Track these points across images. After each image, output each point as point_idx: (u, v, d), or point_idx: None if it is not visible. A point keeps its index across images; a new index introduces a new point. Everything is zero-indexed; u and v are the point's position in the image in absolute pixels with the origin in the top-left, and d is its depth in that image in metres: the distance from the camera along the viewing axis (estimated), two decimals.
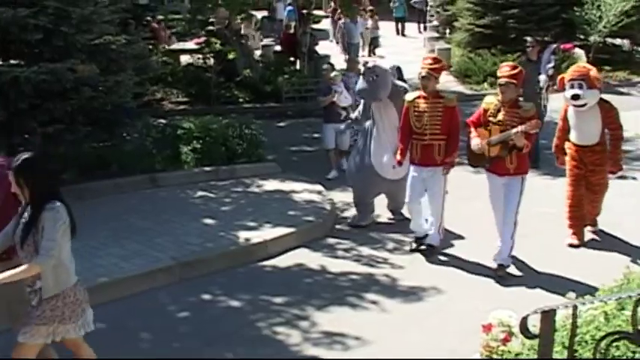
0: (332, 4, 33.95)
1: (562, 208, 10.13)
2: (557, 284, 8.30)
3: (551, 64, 13.59)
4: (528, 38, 15.07)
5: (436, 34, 32.51)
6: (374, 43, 29.68)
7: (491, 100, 9.14)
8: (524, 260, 9.19)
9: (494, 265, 9.03)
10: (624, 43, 28.14)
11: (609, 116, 9.72)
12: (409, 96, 9.79)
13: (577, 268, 9.00)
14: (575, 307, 3.80)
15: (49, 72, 11.15)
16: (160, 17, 23.76)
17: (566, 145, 10.12)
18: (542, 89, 13.90)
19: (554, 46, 14.12)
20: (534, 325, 4.35)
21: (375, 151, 10.69)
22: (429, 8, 37.08)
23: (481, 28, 26.97)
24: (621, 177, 12.26)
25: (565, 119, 10.06)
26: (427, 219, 9.86)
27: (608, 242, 9.77)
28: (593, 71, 9.83)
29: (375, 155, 10.68)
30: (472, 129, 9.23)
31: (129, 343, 7.40)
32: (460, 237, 10.11)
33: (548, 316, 3.83)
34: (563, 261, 9.34)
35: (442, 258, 9.59)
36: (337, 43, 31.63)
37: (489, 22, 26.62)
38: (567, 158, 10.15)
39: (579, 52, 14.85)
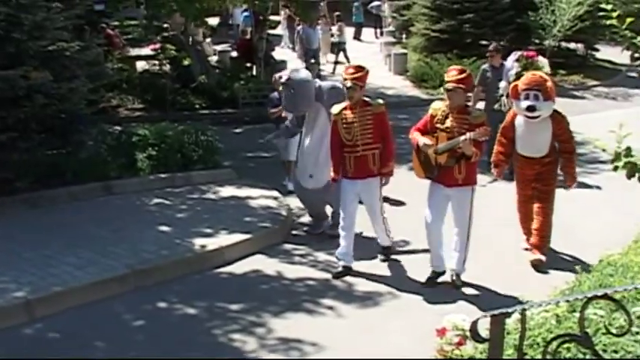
0: (287, 10, 33.90)
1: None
2: (511, 288, 8.38)
3: (513, 71, 13.06)
4: (491, 46, 14.63)
5: (392, 39, 32.67)
6: (340, 48, 29.59)
7: (439, 105, 8.75)
8: (478, 265, 9.22)
9: (446, 278, 8.94)
10: (578, 47, 28.61)
11: (560, 128, 9.34)
12: (335, 109, 9.40)
13: (531, 272, 9.09)
14: (523, 311, 3.83)
15: (1, 79, 11.04)
16: (116, 23, 23.62)
17: (514, 155, 9.74)
18: (502, 96, 13.38)
19: (519, 53, 13.64)
20: (488, 328, 4.37)
21: (299, 161, 10.75)
22: (385, 13, 37.24)
23: (437, 32, 27.24)
24: (585, 186, 12.50)
25: (511, 128, 9.64)
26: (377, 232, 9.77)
27: (560, 245, 9.84)
28: (550, 82, 9.42)
29: (299, 164, 10.75)
30: (415, 133, 8.82)
31: (83, 353, 7.30)
32: (416, 242, 10.12)
33: (498, 319, 3.85)
34: (516, 265, 9.43)
35: (398, 264, 9.62)
36: (293, 49, 31.59)
37: (445, 26, 26.90)
38: (516, 169, 9.95)
39: (543, 60, 13.78)
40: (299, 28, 30.11)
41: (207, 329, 7.83)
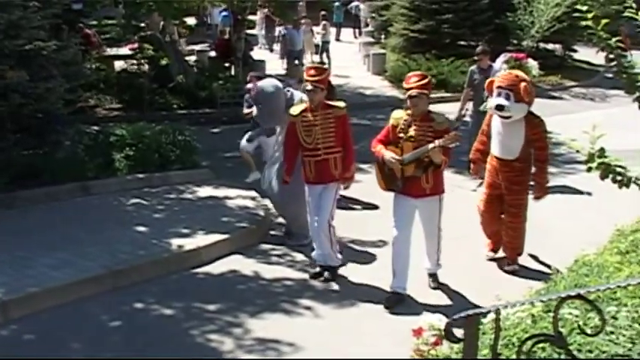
0: (265, 10, 33.89)
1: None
2: (487, 289, 8.36)
3: (500, 73, 12.13)
4: (478, 48, 14.18)
5: (371, 39, 32.75)
6: (324, 48, 29.54)
7: (400, 114, 8.35)
8: (456, 266, 9.23)
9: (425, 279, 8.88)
10: (556, 48, 28.77)
11: (535, 133, 8.96)
12: (294, 110, 9.14)
13: (506, 275, 9.14)
14: (498, 310, 3.84)
15: None
16: (94, 23, 23.54)
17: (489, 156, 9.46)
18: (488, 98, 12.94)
19: (509, 55, 13.40)
20: (463, 328, 4.38)
21: (267, 170, 10.76)
22: (362, 14, 37.35)
23: (415, 33, 27.31)
24: (563, 186, 12.55)
25: (489, 125, 9.41)
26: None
27: (537, 245, 9.88)
28: (525, 83, 8.92)
29: (266, 173, 10.75)
30: (379, 145, 8.41)
31: (59, 354, 7.27)
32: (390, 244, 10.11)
33: (472, 319, 3.86)
34: (493, 266, 9.47)
35: (376, 264, 9.62)
36: (270, 50, 31.42)
37: (424, 27, 26.97)
38: (487, 170, 9.50)
39: (532, 62, 13.64)
40: (280, 28, 30.08)
41: (184, 330, 7.81)
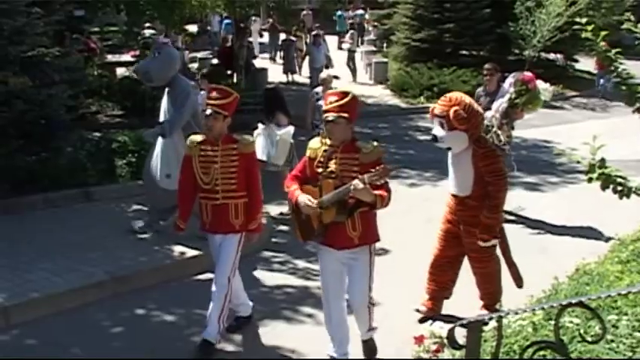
0: (270, 19, 33.96)
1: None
2: None
3: (506, 97, 10.97)
4: (486, 65, 12.43)
5: (373, 48, 32.81)
6: (350, 57, 29.51)
7: (317, 144, 6.68)
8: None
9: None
10: (558, 57, 28.82)
11: (485, 165, 7.57)
12: (190, 140, 7.48)
13: (508, 281, 9.12)
14: (500, 318, 3.87)
15: None
16: (96, 29, 23.61)
17: None
18: (490, 127, 11.07)
19: (519, 75, 11.10)
20: (465, 335, 4.41)
21: (162, 156, 10.46)
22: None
23: (417, 42, 27.40)
24: (563, 196, 12.48)
25: None
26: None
27: (537, 254, 9.90)
28: (457, 107, 7.53)
29: (161, 159, 10.46)
30: (293, 185, 6.73)
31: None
32: (393, 252, 10.12)
33: (474, 326, 3.89)
34: None
35: (377, 273, 9.61)
36: (273, 59, 31.18)
37: (426, 36, 27.06)
38: (446, 205, 8.20)
39: (543, 85, 11.18)
40: (283, 36, 30.08)
41: (185, 336, 7.82)
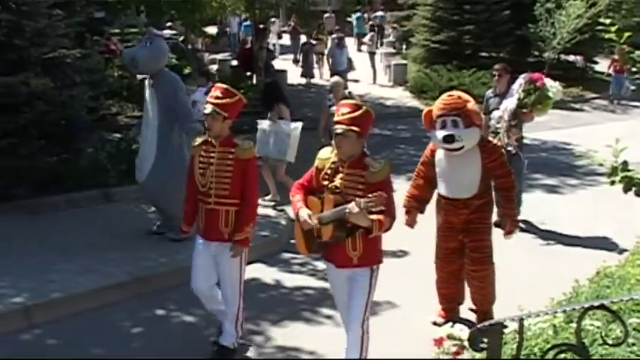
0: (290, 22, 33.99)
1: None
2: (508, 299, 8.37)
3: (515, 97, 10.44)
4: (495, 66, 12.11)
5: (392, 50, 32.80)
6: (371, 58, 29.49)
7: (327, 154, 6.31)
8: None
9: None
10: (577, 59, 28.73)
11: (493, 160, 7.50)
12: (196, 140, 7.28)
13: (528, 283, 9.11)
14: (521, 320, 3.87)
15: (2, 85, 11.15)
16: (116, 31, 23.69)
17: (437, 199, 7.95)
18: (501, 130, 10.72)
19: (528, 75, 10.54)
20: (485, 338, 4.41)
21: (140, 151, 10.52)
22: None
23: (437, 44, 27.39)
24: (583, 198, 12.41)
25: (429, 165, 7.86)
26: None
27: (557, 256, 9.88)
28: (472, 103, 7.48)
29: (139, 155, 10.52)
30: (297, 196, 6.39)
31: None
32: (412, 253, 10.12)
33: (495, 329, 3.89)
34: (513, 275, 9.44)
35: (397, 274, 9.63)
36: (295, 62, 30.87)
37: (445, 38, 27.04)
38: (438, 217, 7.98)
39: (552, 83, 10.41)
40: (304, 38, 29.99)
41: (205, 337, 7.85)
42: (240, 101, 7.05)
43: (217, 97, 6.87)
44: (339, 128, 6.01)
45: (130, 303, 8.72)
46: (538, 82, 10.31)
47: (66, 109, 12.24)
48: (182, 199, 7.42)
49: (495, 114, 10.96)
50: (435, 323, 7.98)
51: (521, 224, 10.39)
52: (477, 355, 5.41)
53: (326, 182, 6.15)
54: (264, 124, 12.39)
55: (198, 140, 7.16)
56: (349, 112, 6.03)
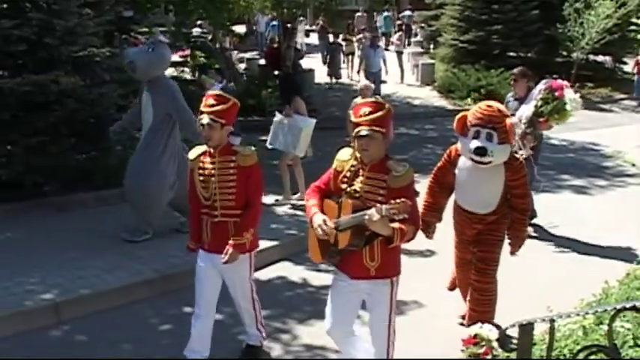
0: (319, 21, 34.01)
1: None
2: (537, 300, 8.35)
3: (532, 104, 9.96)
4: (515, 69, 11.72)
5: (420, 49, 32.77)
6: (399, 57, 29.48)
7: (346, 156, 5.91)
8: (505, 277, 9.20)
9: None
10: (606, 60, 28.56)
11: (516, 179, 7.16)
12: (192, 153, 6.84)
13: (557, 284, 9.06)
14: (552, 321, 3.85)
15: (33, 83, 11.21)
16: (145, 30, 23.79)
17: (454, 207, 7.65)
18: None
19: (550, 81, 9.97)
20: (515, 338, 4.40)
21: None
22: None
23: (465, 43, 27.32)
24: (613, 199, 12.33)
25: (449, 171, 7.47)
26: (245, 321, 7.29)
27: (586, 258, 9.82)
28: (510, 119, 7.14)
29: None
30: (312, 200, 5.99)
31: (110, 356, 7.38)
32: (440, 253, 10.09)
33: (526, 329, 3.88)
34: (542, 276, 9.41)
35: (424, 274, 9.62)
36: (325, 62, 30.67)
37: (473, 37, 26.97)
38: (455, 226, 7.73)
39: (571, 97, 9.70)
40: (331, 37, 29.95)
41: (232, 335, 7.88)
42: (235, 105, 6.68)
43: (212, 105, 6.52)
44: (363, 130, 5.55)
45: (158, 300, 8.77)
46: (557, 91, 9.73)
47: (95, 107, 12.31)
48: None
49: (513, 119, 10.40)
50: (462, 324, 7.81)
51: (537, 228, 10.31)
52: (505, 355, 5.40)
53: (344, 186, 5.76)
54: (279, 117, 12.45)
55: (195, 153, 6.78)
56: (372, 112, 5.60)
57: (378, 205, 5.30)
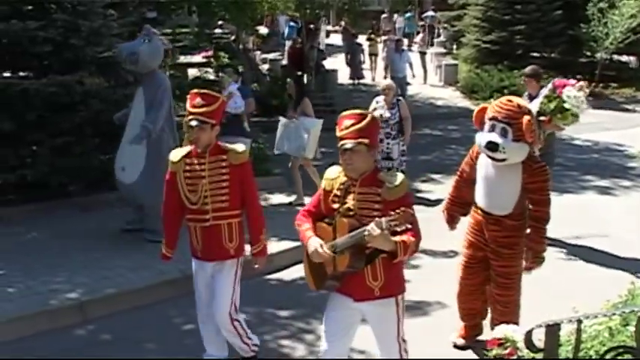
0: (342, 22, 34.03)
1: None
2: (562, 300, 8.30)
3: (538, 100, 9.67)
4: (527, 68, 11.37)
5: (443, 50, 32.72)
6: (422, 58, 29.38)
7: (335, 174, 5.57)
8: (530, 276, 9.16)
9: None
10: (631, 60, 28.37)
11: (534, 182, 6.74)
12: (174, 155, 6.52)
13: (583, 285, 9.01)
14: (579, 322, 3.84)
15: (58, 84, 11.30)
16: (168, 31, 23.90)
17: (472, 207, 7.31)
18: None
19: (554, 81, 9.64)
20: (539, 339, 4.38)
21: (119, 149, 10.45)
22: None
23: (488, 44, 27.23)
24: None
25: (472, 165, 7.19)
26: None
27: (612, 258, 9.78)
28: (529, 116, 6.68)
29: (118, 153, 10.46)
30: (304, 224, 5.62)
31: (134, 354, 7.42)
32: (462, 254, 10.06)
33: (552, 330, 3.87)
34: (567, 276, 9.37)
35: (447, 274, 9.59)
36: (348, 64, 30.37)
37: (496, 38, 26.88)
38: (469, 225, 7.39)
39: (572, 94, 9.20)
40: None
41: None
42: (223, 103, 6.53)
43: (201, 106, 6.27)
44: (346, 143, 5.23)
45: (182, 300, 8.76)
46: (558, 89, 9.38)
47: (120, 108, 12.36)
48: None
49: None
50: (455, 345, 7.58)
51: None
52: (530, 356, 5.37)
53: (336, 205, 5.38)
54: (284, 120, 12.45)
55: (179, 154, 6.48)
56: (354, 124, 5.27)
57: (377, 218, 4.95)
